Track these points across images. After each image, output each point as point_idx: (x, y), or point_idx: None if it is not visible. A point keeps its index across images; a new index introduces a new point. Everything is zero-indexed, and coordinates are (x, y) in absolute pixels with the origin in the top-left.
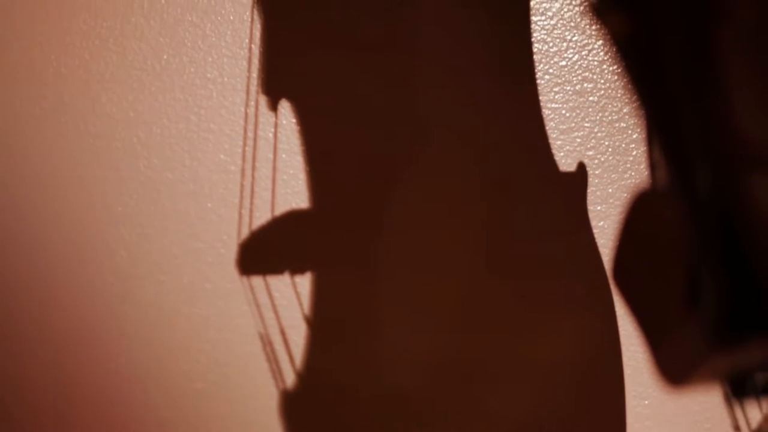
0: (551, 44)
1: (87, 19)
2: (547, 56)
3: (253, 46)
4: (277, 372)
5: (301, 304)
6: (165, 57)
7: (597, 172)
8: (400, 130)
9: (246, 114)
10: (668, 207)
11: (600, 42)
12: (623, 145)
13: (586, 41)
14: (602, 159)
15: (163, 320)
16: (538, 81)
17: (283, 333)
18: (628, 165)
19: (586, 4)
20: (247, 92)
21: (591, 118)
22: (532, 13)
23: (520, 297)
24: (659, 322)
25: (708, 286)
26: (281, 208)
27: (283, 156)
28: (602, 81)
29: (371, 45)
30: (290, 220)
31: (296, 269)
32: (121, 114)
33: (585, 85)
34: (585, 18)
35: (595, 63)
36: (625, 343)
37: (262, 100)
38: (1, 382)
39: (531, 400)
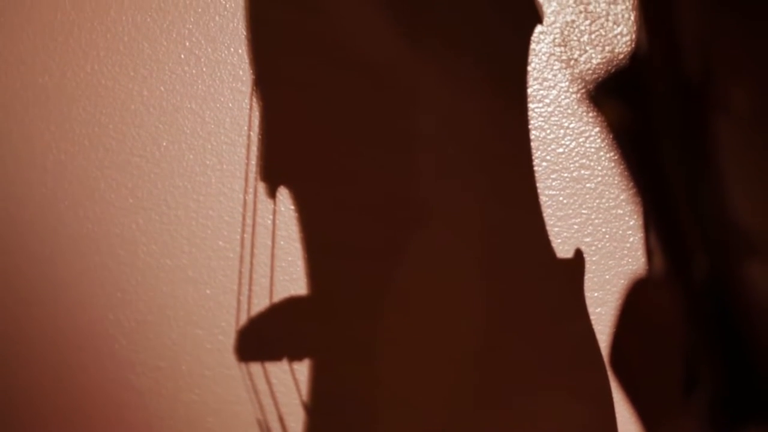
0: (548, 131)
1: (86, 106)
2: (545, 143)
3: (251, 133)
4: None
5: (299, 392)
6: (164, 144)
7: (594, 258)
8: (398, 217)
9: (245, 201)
10: (665, 294)
11: (597, 129)
12: (620, 232)
13: (583, 128)
14: (599, 245)
15: (161, 407)
16: (535, 168)
17: (281, 420)
18: (626, 252)
19: (583, 92)
20: (246, 179)
21: (588, 205)
22: (529, 100)
23: (517, 383)
24: (656, 408)
25: (704, 373)
26: (280, 295)
27: (282, 243)
28: (599, 168)
29: (369, 134)
30: (289, 307)
31: (295, 356)
32: (120, 200)
33: (582, 172)
34: (582, 105)
35: (592, 150)
36: (621, 429)
37: (261, 187)
38: None
39: None
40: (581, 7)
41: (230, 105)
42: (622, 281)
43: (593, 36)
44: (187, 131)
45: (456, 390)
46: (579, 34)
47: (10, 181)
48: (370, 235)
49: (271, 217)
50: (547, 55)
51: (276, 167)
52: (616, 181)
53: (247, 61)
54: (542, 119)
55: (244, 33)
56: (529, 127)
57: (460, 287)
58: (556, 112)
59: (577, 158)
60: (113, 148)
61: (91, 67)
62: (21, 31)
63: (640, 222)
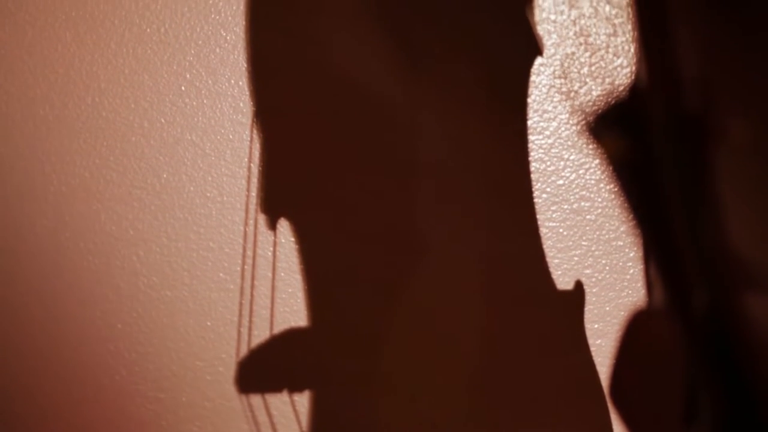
0: (549, 163)
1: (87, 138)
2: (545, 175)
3: (252, 165)
4: None
5: (300, 423)
6: (164, 176)
7: (594, 290)
8: (398, 248)
9: (245, 233)
10: (665, 325)
11: (597, 161)
12: (620, 264)
13: (583, 160)
14: (599, 277)
15: None
16: (535, 199)
17: None
18: (626, 283)
19: (583, 124)
20: (246, 211)
21: (588, 237)
22: (529, 132)
23: (517, 415)
24: None
25: (705, 404)
26: (280, 327)
27: (282, 274)
28: (599, 199)
29: (370, 164)
30: (289, 339)
31: (295, 388)
32: (121, 232)
33: (582, 203)
34: (582, 137)
35: (593, 182)
36: None
37: (261, 218)
38: None
39: None
40: (581, 39)
41: (231, 137)
42: (623, 313)
43: (593, 68)
44: (188, 163)
45: (456, 420)
46: (579, 66)
47: (10, 213)
48: (370, 265)
49: (271, 248)
50: (548, 87)
51: (276, 199)
52: (616, 213)
53: (247, 92)
54: (542, 151)
55: (245, 65)
56: (530, 158)
57: (460, 318)
58: (556, 144)
59: (578, 190)
60: (114, 180)
61: (92, 99)
62: (22, 63)
63: (640, 254)
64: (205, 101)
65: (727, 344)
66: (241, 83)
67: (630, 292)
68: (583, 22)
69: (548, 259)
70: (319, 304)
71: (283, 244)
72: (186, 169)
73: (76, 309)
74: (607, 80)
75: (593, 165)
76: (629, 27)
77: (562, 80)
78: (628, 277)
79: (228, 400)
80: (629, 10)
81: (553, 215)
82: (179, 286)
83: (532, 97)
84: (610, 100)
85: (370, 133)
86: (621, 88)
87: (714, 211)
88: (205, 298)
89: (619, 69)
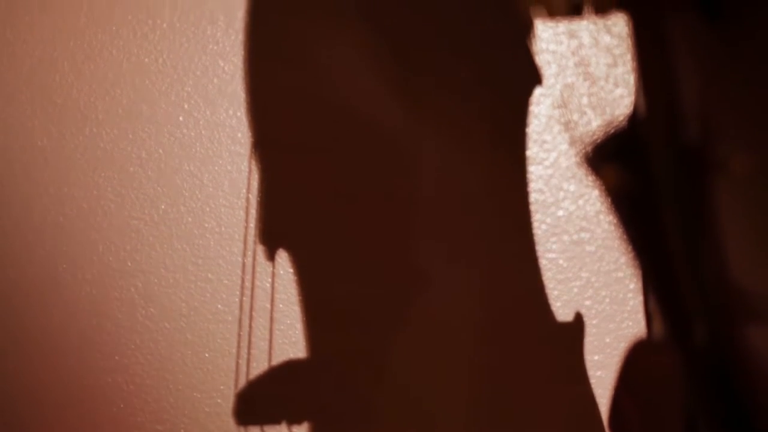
0: (548, 194)
1: (85, 169)
2: (544, 206)
3: (250, 196)
4: None
5: None
6: (163, 207)
7: (594, 321)
8: (399, 280)
9: (243, 264)
10: (665, 357)
11: (597, 192)
12: (620, 295)
13: (582, 191)
14: (599, 309)
15: None
16: (535, 230)
17: None
18: (626, 315)
19: (582, 155)
20: (245, 242)
21: (588, 268)
22: (529, 162)
23: None
24: None
25: None
26: (278, 358)
27: (281, 306)
28: (599, 231)
29: (369, 196)
30: (287, 371)
31: (294, 420)
32: (119, 263)
33: (582, 235)
34: (582, 168)
35: (592, 213)
36: None
37: (260, 250)
38: None
39: None
40: (581, 70)
41: (229, 167)
42: (623, 344)
43: (593, 99)
44: (186, 194)
45: None
46: (578, 97)
47: (8, 244)
48: (369, 298)
49: (269, 280)
50: (547, 117)
51: (275, 230)
52: (616, 245)
53: (245, 123)
54: (542, 182)
55: (243, 96)
56: (529, 189)
57: (459, 351)
58: (555, 175)
59: (577, 221)
60: (112, 211)
61: (90, 130)
62: (20, 94)
63: (640, 285)
64: (203, 132)
65: (727, 376)
66: (239, 114)
67: (630, 323)
68: (582, 52)
69: (548, 291)
70: (318, 336)
71: (281, 276)
72: (184, 200)
73: (74, 340)
74: (607, 111)
75: (593, 196)
76: (629, 57)
77: (562, 110)
78: (628, 308)
79: None
80: (629, 40)
81: (553, 246)
82: (177, 318)
83: (532, 127)
84: (609, 130)
85: (370, 165)
86: (621, 119)
87: (714, 242)
88: (204, 329)
89: (618, 99)
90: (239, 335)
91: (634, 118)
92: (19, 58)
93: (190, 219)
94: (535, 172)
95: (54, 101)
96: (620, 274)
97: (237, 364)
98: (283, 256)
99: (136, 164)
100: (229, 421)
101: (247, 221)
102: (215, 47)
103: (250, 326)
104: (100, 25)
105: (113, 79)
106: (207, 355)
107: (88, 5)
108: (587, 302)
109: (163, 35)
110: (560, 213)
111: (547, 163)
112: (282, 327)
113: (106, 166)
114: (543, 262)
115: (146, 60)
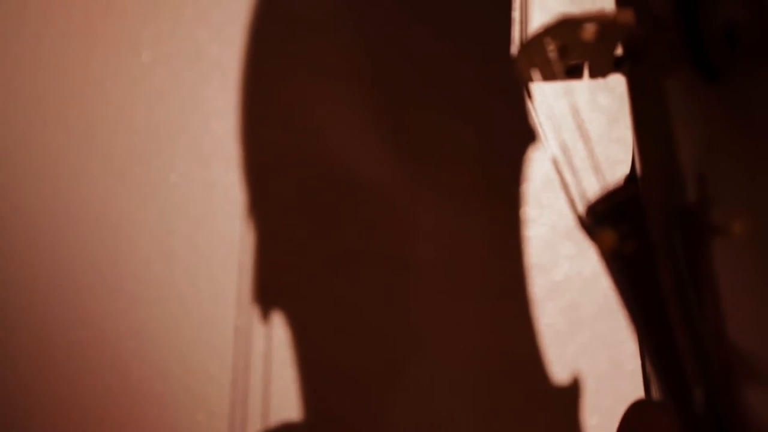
0: (545, 256)
1: (78, 230)
2: (541, 269)
3: (244, 256)
4: None
5: None
6: (156, 268)
7: (592, 385)
8: (394, 343)
9: (237, 325)
10: (664, 421)
11: (593, 253)
12: (619, 358)
13: (580, 253)
14: (597, 372)
15: None
16: (532, 293)
17: None
18: (624, 378)
19: (578, 216)
20: (239, 303)
21: (585, 331)
22: (525, 224)
23: None
24: None
25: None
26: (274, 421)
27: (275, 367)
28: (596, 293)
29: (365, 258)
30: None
31: None
32: (111, 325)
33: (579, 297)
34: (578, 230)
35: (589, 275)
36: None
37: (254, 311)
38: None
39: None
40: (578, 129)
41: (222, 228)
42: (621, 407)
43: (589, 159)
44: (179, 255)
45: None
46: (575, 157)
47: (7, 292)
48: (365, 360)
49: (264, 341)
50: (543, 177)
51: (269, 291)
52: (613, 307)
53: (239, 183)
54: (538, 244)
55: (237, 155)
56: (525, 251)
57: (456, 414)
58: (552, 237)
59: (574, 283)
60: (105, 273)
61: (84, 191)
62: (11, 162)
63: (638, 348)
64: (196, 192)
65: None
66: (232, 174)
67: (628, 386)
68: (580, 111)
69: (544, 354)
70: (315, 398)
71: (276, 337)
72: (177, 261)
73: (65, 402)
74: (604, 171)
75: (590, 258)
76: (627, 117)
77: (558, 171)
78: (626, 371)
79: None
80: (626, 100)
81: (550, 309)
82: (171, 380)
83: (528, 187)
84: (606, 191)
85: (365, 227)
86: (617, 180)
87: (712, 304)
88: (197, 391)
89: (615, 160)
90: (233, 397)
91: (631, 179)
92: (12, 118)
93: (183, 280)
94: (531, 232)
95: (45, 165)
96: (618, 338)
97: (231, 427)
98: (277, 318)
99: (128, 226)
100: None
101: (240, 283)
102: (208, 107)
103: (246, 388)
104: (92, 85)
105: (105, 139)
106: (200, 417)
107: (82, 72)
108: (585, 366)
109: (160, 96)
110: (557, 275)
111: (543, 224)
112: (277, 389)
113: (99, 226)
114: (539, 326)
115: (139, 118)
